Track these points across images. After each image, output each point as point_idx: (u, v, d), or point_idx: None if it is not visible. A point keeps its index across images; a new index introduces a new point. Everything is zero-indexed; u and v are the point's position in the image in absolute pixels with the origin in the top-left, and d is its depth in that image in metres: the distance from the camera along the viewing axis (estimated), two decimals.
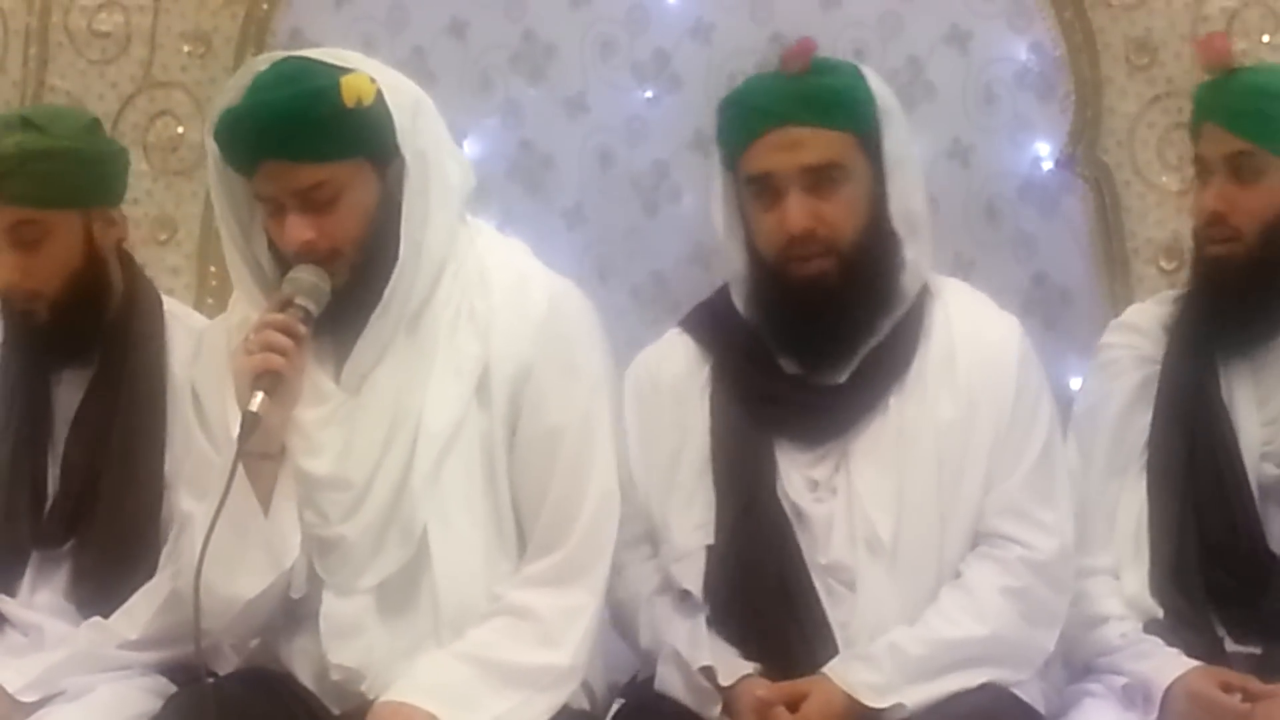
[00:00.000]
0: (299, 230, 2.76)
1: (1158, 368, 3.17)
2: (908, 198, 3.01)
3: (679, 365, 3.10)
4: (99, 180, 3.29)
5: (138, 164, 4.05)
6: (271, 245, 2.84)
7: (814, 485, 2.97)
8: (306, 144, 2.75)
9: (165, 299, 3.42)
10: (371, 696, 2.75)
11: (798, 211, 2.91)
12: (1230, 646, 3.01)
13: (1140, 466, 3.13)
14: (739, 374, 3.03)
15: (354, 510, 2.78)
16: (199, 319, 3.46)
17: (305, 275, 2.76)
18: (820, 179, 2.93)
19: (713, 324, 3.10)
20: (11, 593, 3.21)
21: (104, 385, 3.25)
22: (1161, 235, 3.88)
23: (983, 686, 2.86)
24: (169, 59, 4.20)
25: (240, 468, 2.69)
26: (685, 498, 3.00)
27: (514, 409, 2.83)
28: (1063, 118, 3.99)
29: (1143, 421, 3.15)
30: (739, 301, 3.07)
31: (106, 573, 3.16)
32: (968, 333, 3.01)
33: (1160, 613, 3.04)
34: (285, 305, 2.75)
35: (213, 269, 4.12)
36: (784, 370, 3.01)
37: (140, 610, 3.12)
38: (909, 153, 3.04)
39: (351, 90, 2.73)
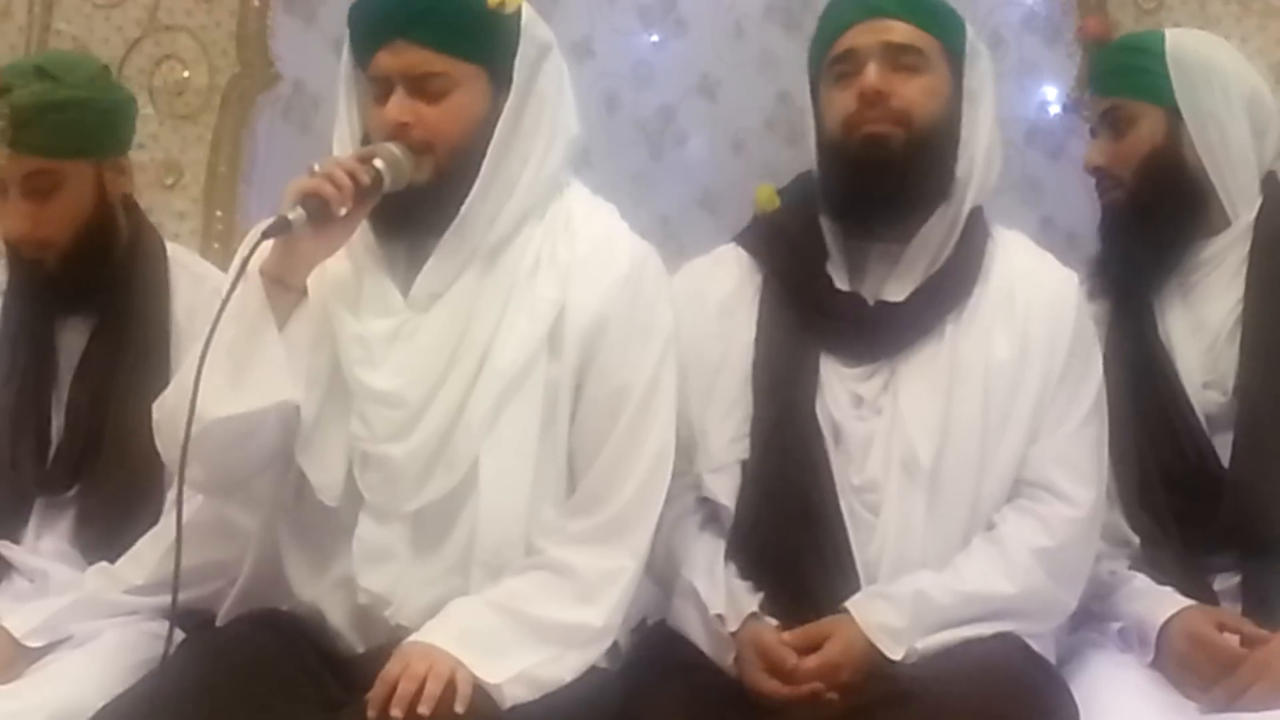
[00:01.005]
0: (399, 111, 2.76)
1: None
2: (977, 128, 3.02)
3: (729, 276, 3.09)
4: (111, 129, 3.30)
5: (143, 108, 4.03)
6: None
7: (858, 402, 2.96)
8: (437, 30, 2.75)
9: (169, 245, 3.42)
10: (394, 624, 2.74)
11: (874, 75, 2.95)
12: (1217, 584, 3.05)
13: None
14: (792, 284, 3.03)
15: (405, 430, 2.75)
16: (204, 265, 3.47)
17: (393, 146, 2.75)
18: (901, 59, 2.97)
19: (769, 237, 3.10)
20: (17, 539, 3.22)
21: (108, 331, 3.26)
22: None
23: (996, 634, 2.86)
24: (174, 3, 4.20)
25: (262, 285, 2.69)
26: (725, 409, 3.00)
27: (584, 360, 2.81)
28: (1070, 62, 3.99)
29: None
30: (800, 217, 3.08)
31: (111, 518, 3.17)
32: (1028, 278, 3.02)
33: (1136, 539, 3.08)
34: (364, 160, 2.73)
35: (219, 214, 4.14)
36: (837, 284, 3.01)
37: (146, 555, 3.12)
38: (986, 93, 3.06)
39: None
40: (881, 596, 2.85)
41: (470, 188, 2.78)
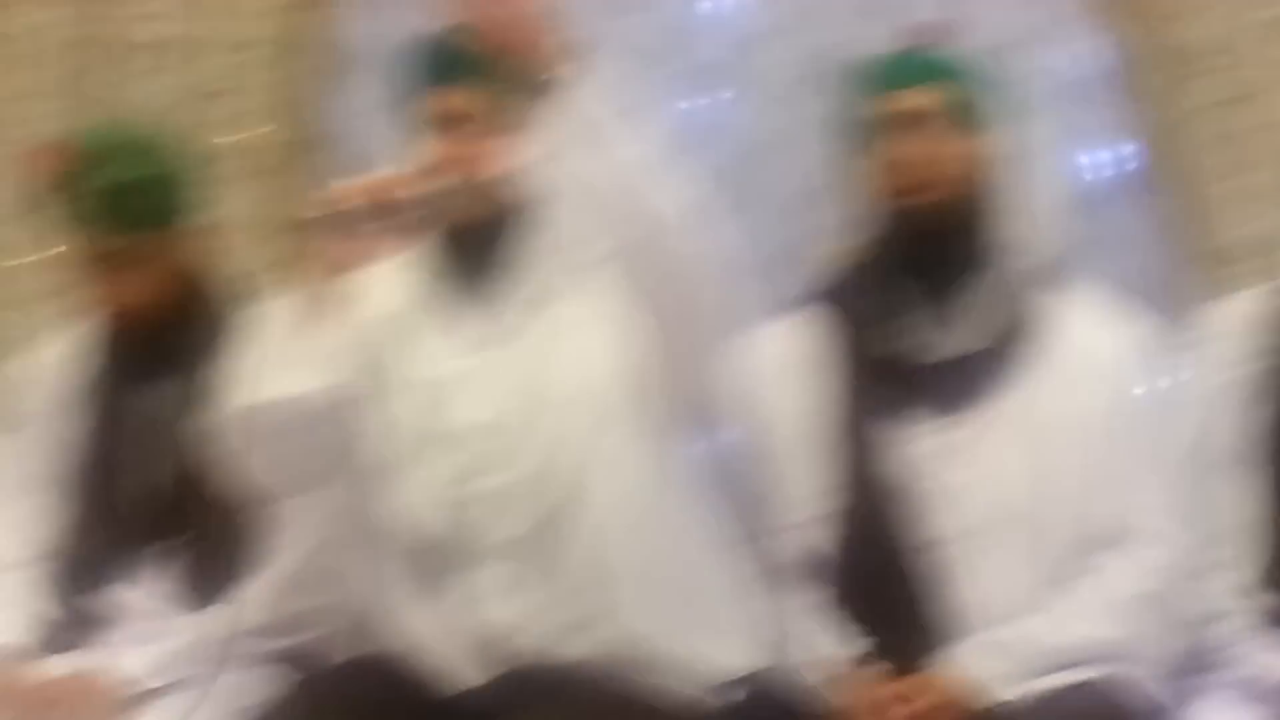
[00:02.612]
0: (454, 148, 2.83)
1: (1249, 366, 3.16)
2: (1026, 190, 3.07)
3: (803, 339, 3.09)
4: (187, 197, 3.31)
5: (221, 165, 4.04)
6: None
7: (936, 454, 2.97)
8: (489, 72, 2.79)
9: (259, 297, 3.37)
10: (520, 652, 2.77)
11: (901, 146, 2.98)
12: None
13: (1238, 462, 3.10)
14: (863, 343, 3.04)
15: (508, 460, 2.79)
16: None
17: (457, 174, 2.80)
18: (932, 123, 3.00)
19: (839, 295, 3.11)
20: (127, 584, 3.21)
21: (211, 379, 3.21)
22: (1243, 234, 3.90)
23: (1100, 678, 2.85)
24: (212, 68, 4.19)
25: (313, 281, 2.74)
26: (805, 467, 3.00)
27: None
28: (1113, 125, 4.01)
29: (1233, 418, 3.13)
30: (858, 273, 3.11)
31: (220, 563, 3.17)
32: (1105, 328, 3.05)
33: (1277, 601, 3.04)
34: (424, 175, 2.78)
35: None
36: (911, 338, 3.01)
37: (260, 598, 3.13)
38: (1032, 153, 3.12)
39: None
40: (981, 644, 2.85)
41: (536, 222, 2.85)
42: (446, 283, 2.87)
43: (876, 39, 3.89)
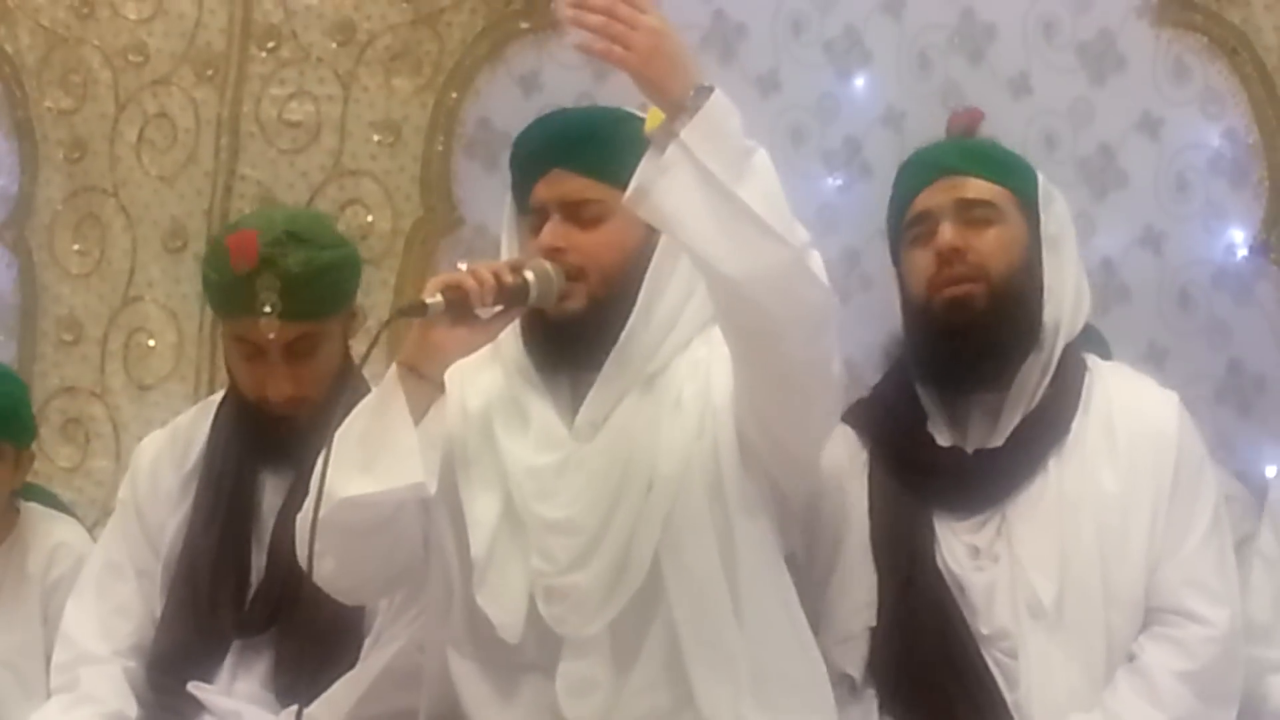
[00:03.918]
0: (552, 236, 2.75)
1: None
2: (1062, 273, 3.02)
3: (838, 454, 3.07)
4: (355, 282, 3.33)
5: None
6: None
7: (975, 553, 2.95)
8: (592, 157, 2.76)
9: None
10: None
11: (950, 233, 2.96)
12: None
13: None
14: (895, 449, 3.04)
15: (585, 557, 2.73)
16: None
17: (545, 261, 2.73)
18: (974, 214, 2.98)
19: (869, 409, 3.13)
20: (212, 680, 3.20)
21: (312, 475, 3.25)
22: None
23: None
24: (358, 148, 4.27)
25: (398, 374, 2.68)
26: (846, 581, 3.00)
27: (726, 424, 2.78)
28: (1256, 204, 4.00)
29: None
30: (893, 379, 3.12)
31: (307, 661, 3.14)
32: (1127, 405, 3.00)
33: None
34: (513, 268, 2.72)
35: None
36: (939, 441, 3.01)
37: (341, 699, 3.09)
38: (1067, 236, 3.05)
39: (655, 118, 2.68)
40: None
41: (627, 317, 2.78)
42: (533, 373, 2.81)
43: (1018, 120, 3.99)
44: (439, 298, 2.64)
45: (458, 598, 2.81)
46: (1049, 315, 2.98)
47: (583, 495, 2.75)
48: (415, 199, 4.25)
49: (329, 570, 2.71)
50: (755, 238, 2.52)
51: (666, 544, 2.73)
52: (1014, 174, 3.05)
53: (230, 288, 3.18)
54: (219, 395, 3.40)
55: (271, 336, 3.15)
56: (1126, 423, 2.97)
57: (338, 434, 2.63)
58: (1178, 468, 2.94)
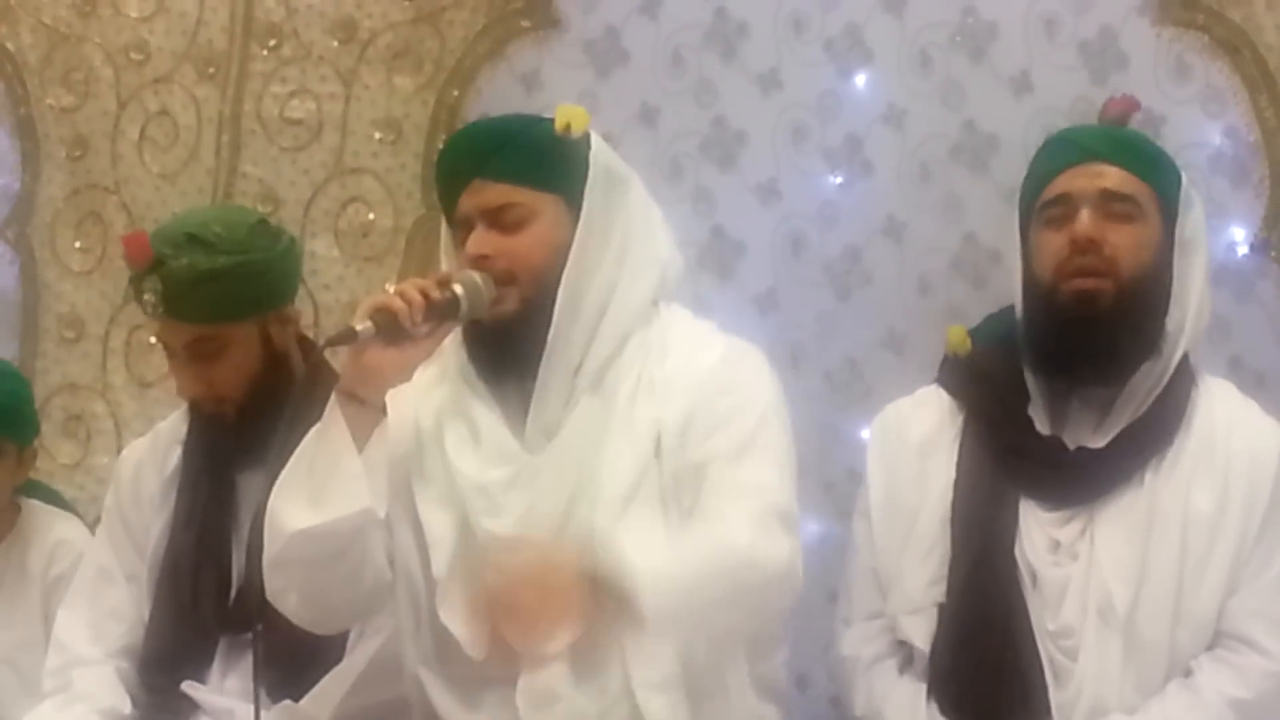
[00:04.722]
0: (477, 244, 2.77)
1: None
2: (1189, 279, 2.98)
3: (930, 418, 3.08)
4: (269, 287, 3.30)
5: (329, 250, 4.12)
6: None
7: (1055, 547, 2.94)
8: (508, 162, 2.79)
9: None
10: None
11: (1088, 221, 2.92)
12: None
13: None
14: (992, 427, 3.01)
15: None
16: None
17: (473, 272, 2.75)
18: (1114, 207, 2.94)
19: (971, 379, 3.08)
20: (202, 678, 3.23)
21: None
22: None
23: None
24: (360, 146, 4.27)
25: (338, 401, 2.69)
26: (923, 551, 2.99)
27: (681, 455, 2.78)
28: (1257, 202, 3.99)
29: None
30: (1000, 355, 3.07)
31: (295, 656, 3.15)
32: (1230, 428, 2.98)
33: None
34: (441, 283, 2.74)
35: None
36: (1039, 428, 2.99)
37: (329, 693, 3.12)
38: (1200, 242, 3.02)
39: (564, 116, 2.78)
40: None
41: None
42: (479, 384, 2.82)
43: (1019, 118, 3.98)
44: (369, 323, 2.67)
45: (424, 614, 2.82)
46: (1172, 321, 2.95)
47: (532, 511, 2.76)
48: (417, 197, 4.25)
49: (293, 605, 2.74)
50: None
51: (619, 561, 2.63)
52: (1159, 171, 3.01)
53: (131, 286, 3.24)
54: None
55: (163, 338, 3.24)
56: (1228, 445, 2.96)
57: (283, 470, 2.65)
58: (1273, 498, 2.93)
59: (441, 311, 2.71)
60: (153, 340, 4.18)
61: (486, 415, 2.81)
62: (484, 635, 2.73)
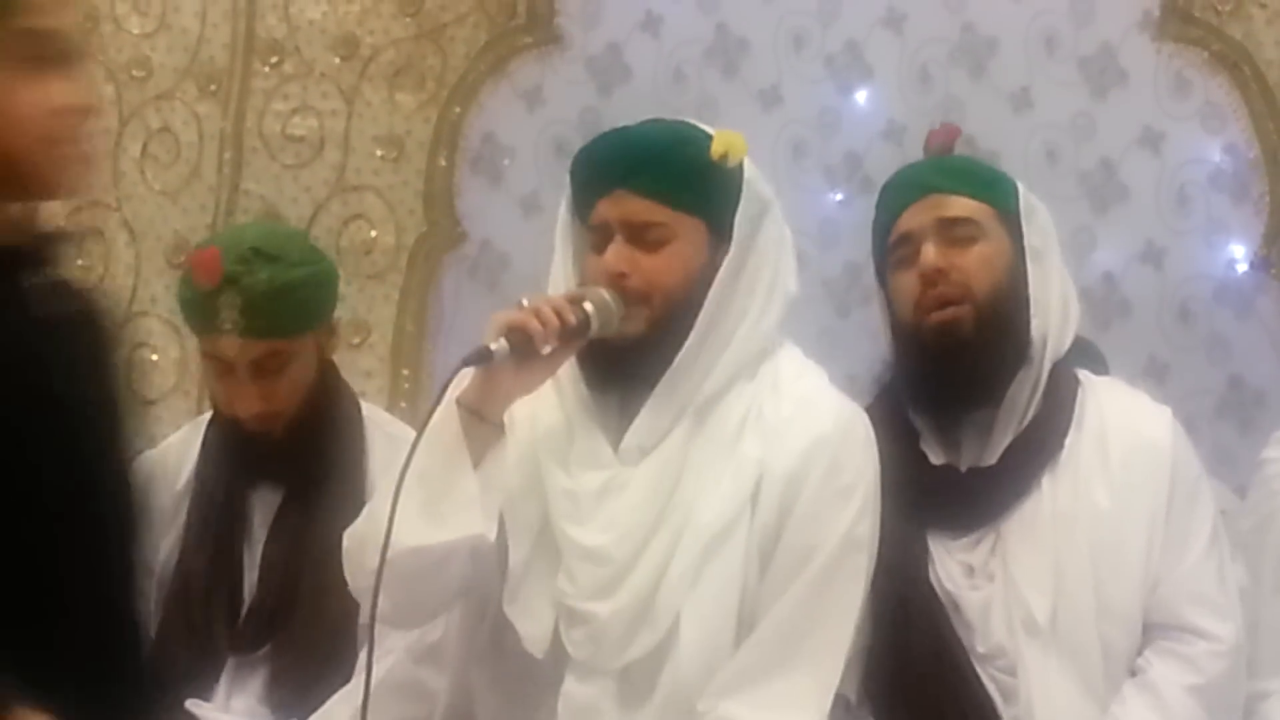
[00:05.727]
0: (616, 259, 2.71)
1: None
2: (1047, 284, 2.99)
3: None
4: (329, 298, 3.31)
5: None
6: None
7: (970, 571, 2.93)
8: (659, 180, 2.72)
9: (364, 404, 3.42)
10: None
11: (933, 253, 2.92)
12: None
13: None
14: (889, 469, 2.94)
15: (610, 587, 2.70)
16: (398, 425, 3.44)
17: (604, 291, 2.69)
18: (955, 232, 2.94)
19: (878, 412, 3.03)
20: (208, 697, 3.19)
21: (303, 491, 3.24)
22: None
23: None
24: (362, 163, 4.27)
25: (459, 416, 2.64)
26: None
27: (780, 519, 2.74)
28: (1257, 219, 4.01)
29: None
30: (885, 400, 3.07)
31: (303, 677, 3.14)
32: (1120, 421, 2.97)
33: None
34: (573, 301, 2.67)
35: (405, 372, 4.15)
36: (931, 460, 2.98)
37: (337, 714, 3.06)
38: (1051, 245, 3.02)
39: (722, 143, 2.70)
40: None
41: (684, 341, 2.73)
42: (585, 391, 2.76)
43: (1019, 134, 4.00)
44: (503, 342, 2.60)
45: (491, 608, 2.78)
46: (1036, 329, 2.95)
47: (618, 523, 2.72)
48: (419, 214, 4.26)
49: (384, 609, 2.64)
50: None
51: (693, 599, 2.69)
52: (994, 188, 3.00)
53: (197, 305, 3.18)
54: (209, 414, 3.40)
55: (233, 355, 3.15)
56: (1120, 438, 2.95)
57: (403, 473, 2.54)
58: (1173, 483, 2.93)
59: (574, 332, 2.65)
60: (154, 358, 4.20)
61: (586, 423, 2.77)
62: (548, 634, 2.72)
